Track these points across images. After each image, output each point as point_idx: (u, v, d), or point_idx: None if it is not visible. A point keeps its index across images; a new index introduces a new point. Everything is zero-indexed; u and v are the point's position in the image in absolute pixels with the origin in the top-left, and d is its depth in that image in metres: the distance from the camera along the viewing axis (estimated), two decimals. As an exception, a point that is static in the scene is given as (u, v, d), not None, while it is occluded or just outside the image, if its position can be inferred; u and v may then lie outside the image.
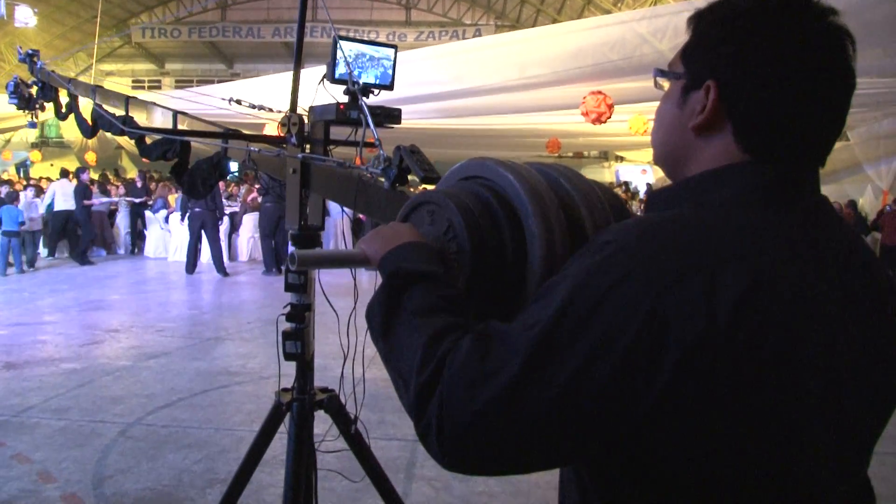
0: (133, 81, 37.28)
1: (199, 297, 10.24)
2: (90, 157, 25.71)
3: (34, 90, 3.89)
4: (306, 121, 2.11)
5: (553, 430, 0.83)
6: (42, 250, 13.92)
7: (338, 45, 1.99)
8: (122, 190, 15.80)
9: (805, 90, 0.92)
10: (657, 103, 1.10)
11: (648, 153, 25.04)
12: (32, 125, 5.04)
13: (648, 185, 31.26)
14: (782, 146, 0.94)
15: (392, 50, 2.11)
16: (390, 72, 2.10)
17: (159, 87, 36.64)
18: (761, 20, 0.94)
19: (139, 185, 15.81)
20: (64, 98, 3.93)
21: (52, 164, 31.08)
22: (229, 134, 2.49)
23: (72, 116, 3.89)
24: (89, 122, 3.51)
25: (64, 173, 14.74)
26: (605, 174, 33.62)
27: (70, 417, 5.09)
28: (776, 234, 0.88)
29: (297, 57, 2.16)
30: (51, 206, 13.59)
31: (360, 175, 1.82)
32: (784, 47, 0.92)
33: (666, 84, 1.07)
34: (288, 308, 2.19)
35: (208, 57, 37.43)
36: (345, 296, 2.21)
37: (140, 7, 34.94)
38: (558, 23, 29.10)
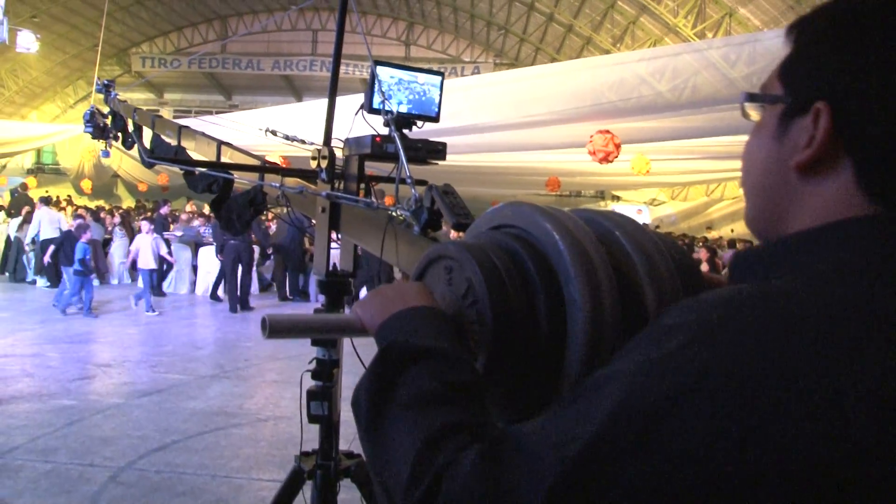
0: (131, 110, 37.21)
1: (194, 331, 9.98)
2: (86, 185, 25.54)
3: (109, 120, 3.93)
4: (341, 154, 1.92)
5: None
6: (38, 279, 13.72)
7: (376, 72, 1.80)
8: (116, 219, 15.55)
9: None
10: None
11: (644, 193, 25.17)
12: (106, 154, 5.04)
13: (644, 224, 31.26)
14: None
15: (438, 77, 1.92)
16: (436, 101, 1.91)
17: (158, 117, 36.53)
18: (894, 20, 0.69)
19: (164, 212, 15.54)
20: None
21: (46, 191, 30.89)
22: (265, 168, 2.29)
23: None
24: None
25: (46, 201, 14.59)
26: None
27: (57, 460, 4.82)
28: None
29: (333, 85, 1.98)
30: (36, 235, 13.40)
31: (391, 217, 1.62)
32: None
33: (755, 114, 0.82)
34: (313, 364, 1.96)
35: (207, 88, 37.52)
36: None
37: (141, 37, 35.07)
38: (557, 62, 29.32)
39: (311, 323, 1.02)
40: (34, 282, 13.64)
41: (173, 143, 3.03)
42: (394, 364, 0.79)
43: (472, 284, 0.92)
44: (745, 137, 0.82)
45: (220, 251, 12.17)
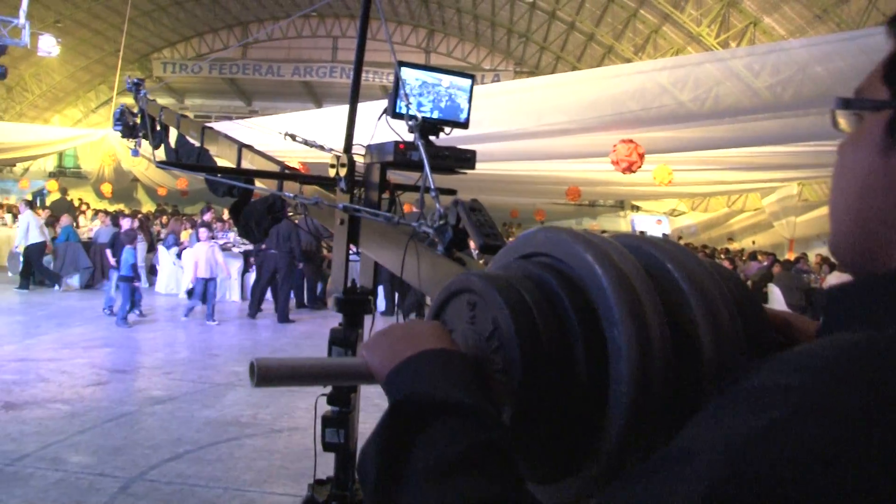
0: (152, 115, 37.51)
1: (210, 338, 9.90)
2: (106, 189, 25.70)
3: (138, 119, 3.89)
4: (363, 161, 1.79)
5: None
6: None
7: (400, 75, 1.68)
8: (135, 223, 15.54)
9: None
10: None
11: (664, 204, 24.97)
12: (135, 153, 5.01)
13: (664, 235, 31.07)
14: None
15: (468, 81, 1.80)
16: (465, 106, 1.78)
17: (178, 122, 36.81)
18: None
19: (208, 218, 14.98)
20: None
21: (67, 195, 31.14)
22: (283, 174, 2.17)
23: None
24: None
25: (30, 205, 14.84)
26: (620, 223, 33.40)
27: (67, 468, 4.73)
28: None
29: (354, 90, 1.86)
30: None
31: (413, 233, 1.49)
32: None
33: (848, 124, 0.69)
34: (329, 388, 1.83)
35: (228, 93, 37.70)
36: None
37: (163, 42, 35.29)
38: (578, 70, 29.19)
39: (309, 369, 0.88)
40: (53, 286, 13.63)
41: (197, 143, 2.95)
42: (408, 422, 0.66)
43: (498, 325, 0.79)
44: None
45: (255, 259, 11.93)
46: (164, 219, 20.23)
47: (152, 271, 14.95)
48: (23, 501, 4.22)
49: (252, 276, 13.54)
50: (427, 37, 35.85)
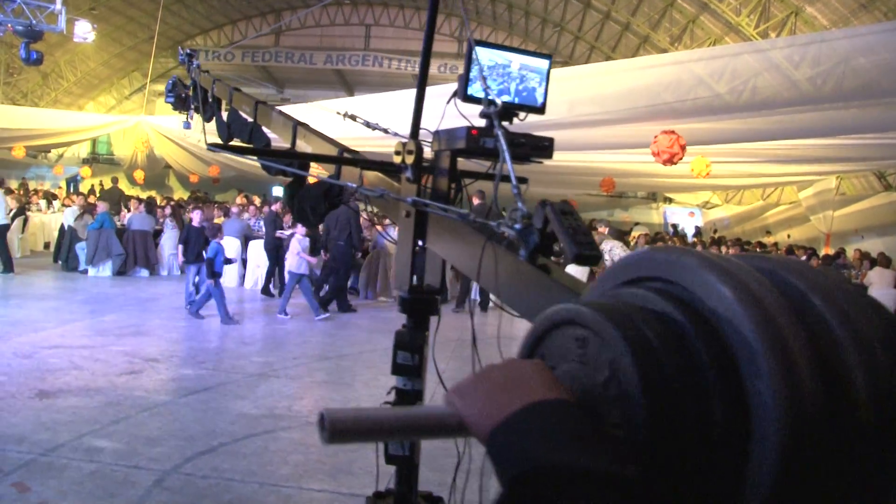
0: (185, 102, 37.78)
1: (243, 327, 9.84)
2: (139, 176, 25.90)
3: (191, 91, 3.81)
4: (428, 150, 1.64)
5: None
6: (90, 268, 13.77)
7: (473, 54, 1.52)
8: (168, 210, 15.59)
9: None
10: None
11: (697, 196, 24.76)
12: (187, 125, 4.92)
13: (697, 227, 30.63)
14: None
15: (545, 61, 1.64)
16: (541, 89, 1.62)
17: (210, 109, 37.07)
18: None
19: (276, 208, 14.27)
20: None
21: (100, 182, 31.49)
22: (341, 159, 2.01)
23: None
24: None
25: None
26: (652, 215, 33.02)
27: (102, 459, 4.66)
28: None
29: (424, 69, 1.70)
30: None
31: (492, 234, 1.33)
32: None
33: None
34: (392, 395, 1.67)
35: (260, 81, 37.75)
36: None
37: (196, 30, 35.43)
38: (612, 60, 28.79)
39: (391, 423, 0.74)
40: (86, 271, 13.69)
41: (250, 119, 2.82)
42: (539, 500, 0.53)
43: (617, 371, 0.64)
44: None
45: (321, 250, 11.60)
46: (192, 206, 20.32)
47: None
48: (57, 493, 4.15)
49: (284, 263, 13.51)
50: (460, 26, 35.56)
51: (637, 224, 28.92)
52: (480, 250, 1.28)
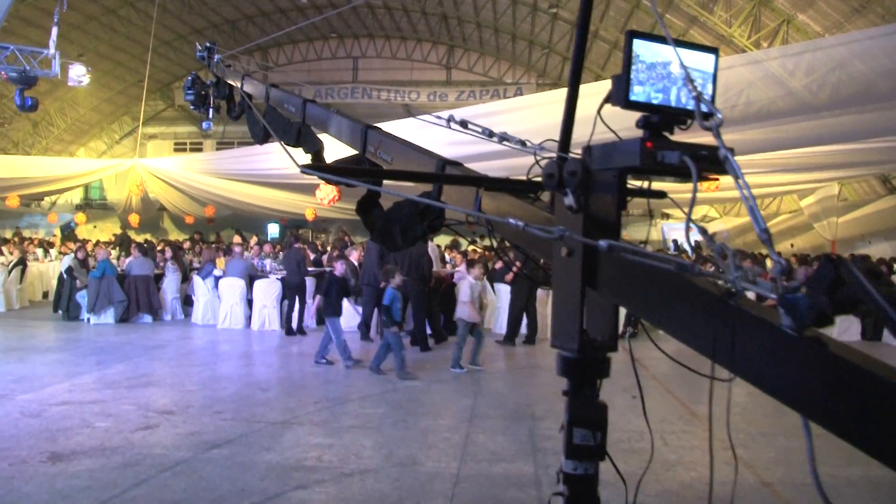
0: (175, 143, 37.74)
1: (256, 370, 9.46)
2: (133, 219, 25.50)
3: (211, 90, 3.50)
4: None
5: None
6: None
7: (633, 50, 1.22)
8: (168, 254, 15.23)
9: None
10: None
11: (695, 210, 24.77)
12: (208, 126, 4.59)
13: (696, 242, 30.40)
14: None
15: (711, 56, 1.33)
16: (709, 89, 1.31)
17: (201, 149, 36.99)
18: None
19: (298, 246, 13.72)
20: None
21: (95, 226, 31.15)
22: (450, 177, 1.69)
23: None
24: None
25: None
26: (651, 232, 32.80)
27: (128, 530, 4.28)
28: None
29: (576, 69, 1.40)
30: None
31: (730, 295, 0.99)
32: None
33: None
34: (561, 484, 1.32)
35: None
36: (634, 454, 1.37)
37: (184, 71, 35.23)
38: (602, 79, 28.71)
39: None
40: (88, 320, 13.30)
41: (296, 118, 2.47)
42: None
43: None
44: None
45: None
46: (187, 244, 20.02)
47: (188, 302, 14.60)
48: (83, 572, 3.78)
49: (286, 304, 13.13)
50: (447, 53, 35.56)
51: (644, 244, 28.65)
52: (712, 316, 0.95)
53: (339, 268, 9.96)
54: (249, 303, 13.18)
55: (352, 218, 24.70)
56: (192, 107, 3.88)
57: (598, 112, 1.25)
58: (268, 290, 13.00)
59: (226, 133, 38.19)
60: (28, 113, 14.87)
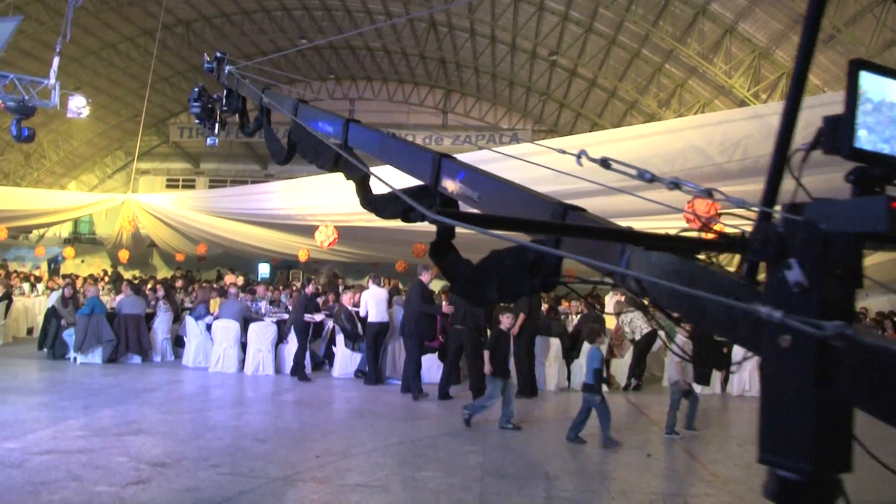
0: (168, 179, 37.53)
1: (252, 418, 9.04)
2: (123, 255, 25.06)
3: (218, 104, 3.19)
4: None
5: None
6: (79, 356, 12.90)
7: (859, 85, 0.93)
8: (160, 293, 14.83)
9: None
10: None
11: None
12: (213, 142, 4.29)
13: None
14: None
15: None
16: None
17: (193, 186, 36.78)
18: None
19: (309, 291, 13.12)
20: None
21: (83, 261, 30.66)
22: (634, 234, 1.39)
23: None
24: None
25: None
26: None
27: None
28: None
29: (794, 99, 1.11)
30: None
31: None
32: None
33: None
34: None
35: (243, 158, 37.52)
36: None
37: (179, 107, 35.19)
38: (598, 126, 28.75)
39: None
40: (74, 359, 12.82)
41: (331, 141, 2.17)
42: None
43: None
44: None
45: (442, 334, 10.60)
46: (179, 283, 19.51)
47: (179, 343, 14.14)
48: None
49: (286, 348, 12.72)
50: (444, 97, 35.67)
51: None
52: None
53: (506, 322, 9.08)
54: (243, 346, 12.76)
55: (344, 260, 24.35)
56: (196, 120, 3.58)
57: (805, 158, 0.96)
58: (263, 334, 12.58)
59: (219, 171, 38.07)
60: (23, 144, 14.55)
